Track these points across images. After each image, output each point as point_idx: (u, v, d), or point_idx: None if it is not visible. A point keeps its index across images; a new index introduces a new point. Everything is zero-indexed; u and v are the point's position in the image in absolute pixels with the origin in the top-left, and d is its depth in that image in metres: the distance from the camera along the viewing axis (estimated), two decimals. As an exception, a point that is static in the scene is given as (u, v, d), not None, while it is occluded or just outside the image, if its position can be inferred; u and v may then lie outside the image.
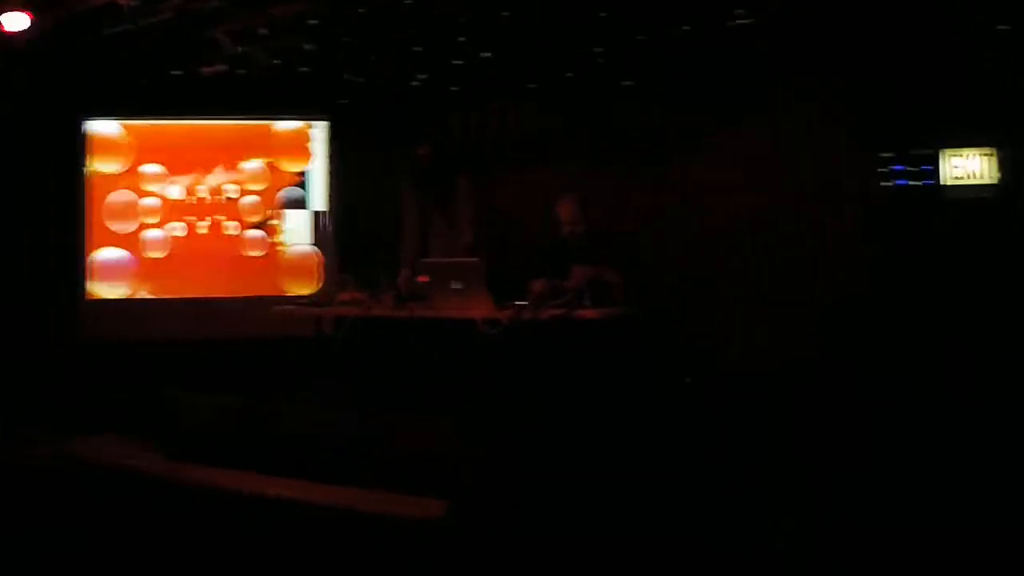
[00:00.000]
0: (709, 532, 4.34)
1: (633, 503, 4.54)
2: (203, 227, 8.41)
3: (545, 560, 3.98)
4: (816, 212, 6.93)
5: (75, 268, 8.25)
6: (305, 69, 7.78)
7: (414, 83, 7.88)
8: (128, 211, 8.31)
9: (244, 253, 8.40)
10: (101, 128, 8.29)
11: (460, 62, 7.49)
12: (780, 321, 6.92)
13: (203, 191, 8.41)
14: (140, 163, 8.36)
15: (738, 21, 6.47)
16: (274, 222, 8.39)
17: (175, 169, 8.41)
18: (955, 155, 6.64)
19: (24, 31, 6.42)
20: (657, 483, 4.76)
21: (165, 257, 8.35)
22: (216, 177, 8.40)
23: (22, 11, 6.35)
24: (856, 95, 6.78)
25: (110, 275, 8.25)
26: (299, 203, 8.46)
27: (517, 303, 5.52)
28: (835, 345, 6.53)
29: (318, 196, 8.47)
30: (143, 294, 8.29)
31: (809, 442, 5.28)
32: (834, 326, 6.59)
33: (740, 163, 7.20)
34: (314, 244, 8.42)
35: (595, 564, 4.02)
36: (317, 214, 8.44)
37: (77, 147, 8.25)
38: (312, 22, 6.88)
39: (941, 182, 6.66)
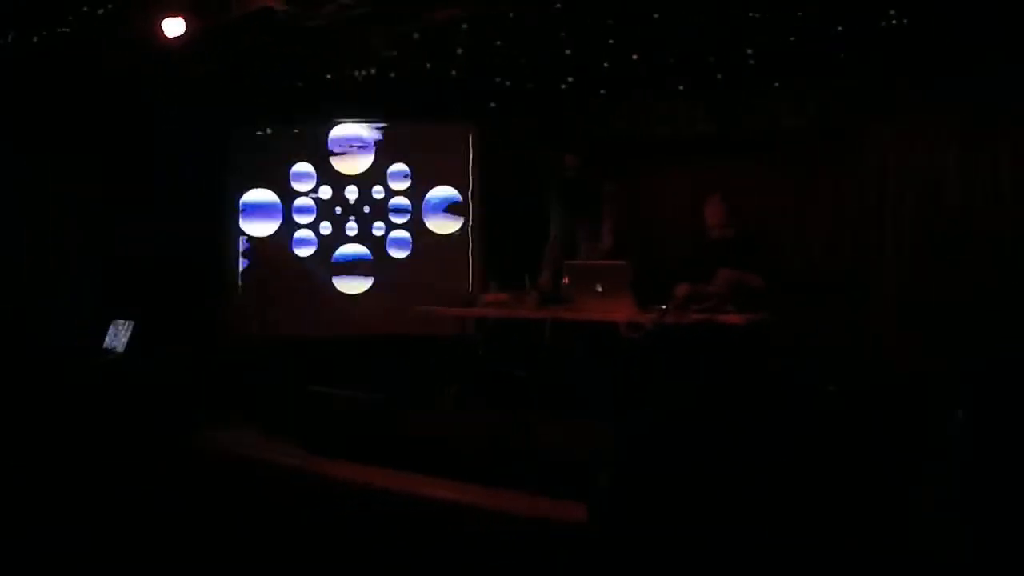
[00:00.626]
0: (847, 536, 4.21)
1: (773, 509, 4.44)
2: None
3: (683, 566, 3.91)
4: (988, 213, 6.64)
5: (227, 264, 8.55)
6: (455, 73, 7.84)
7: (563, 86, 7.86)
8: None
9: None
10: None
11: (608, 64, 7.46)
12: (937, 326, 6.68)
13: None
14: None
15: (892, 22, 6.28)
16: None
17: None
18: None
19: (181, 36, 6.60)
20: (797, 490, 4.64)
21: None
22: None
23: (180, 16, 6.54)
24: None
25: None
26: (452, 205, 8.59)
27: (661, 307, 5.45)
28: (1006, 351, 6.24)
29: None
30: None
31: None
32: (1002, 331, 6.31)
33: (897, 163, 6.98)
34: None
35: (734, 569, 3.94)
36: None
37: (229, 148, 8.60)
38: (463, 27, 6.94)
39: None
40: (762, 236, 6.21)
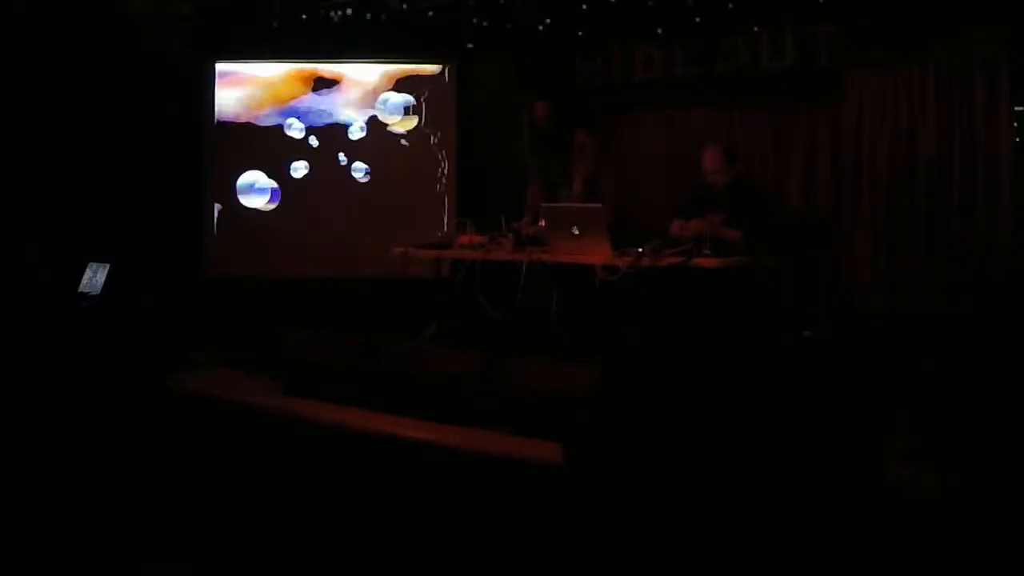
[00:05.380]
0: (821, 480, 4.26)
1: (746, 453, 4.48)
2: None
3: (658, 507, 3.95)
4: (963, 162, 6.66)
5: (202, 206, 8.49)
6: (432, 13, 7.77)
7: (540, 27, 7.79)
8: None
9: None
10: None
11: (586, 6, 7.39)
12: (919, 272, 6.76)
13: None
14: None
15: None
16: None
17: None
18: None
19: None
20: (767, 431, 4.68)
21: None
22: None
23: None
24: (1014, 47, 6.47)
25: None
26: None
27: (636, 250, 5.45)
28: (983, 301, 6.30)
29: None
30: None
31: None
32: (981, 281, 6.37)
33: (875, 111, 7.00)
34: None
35: (709, 513, 3.98)
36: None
37: (206, 88, 8.49)
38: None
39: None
40: (749, 186, 6.18)
